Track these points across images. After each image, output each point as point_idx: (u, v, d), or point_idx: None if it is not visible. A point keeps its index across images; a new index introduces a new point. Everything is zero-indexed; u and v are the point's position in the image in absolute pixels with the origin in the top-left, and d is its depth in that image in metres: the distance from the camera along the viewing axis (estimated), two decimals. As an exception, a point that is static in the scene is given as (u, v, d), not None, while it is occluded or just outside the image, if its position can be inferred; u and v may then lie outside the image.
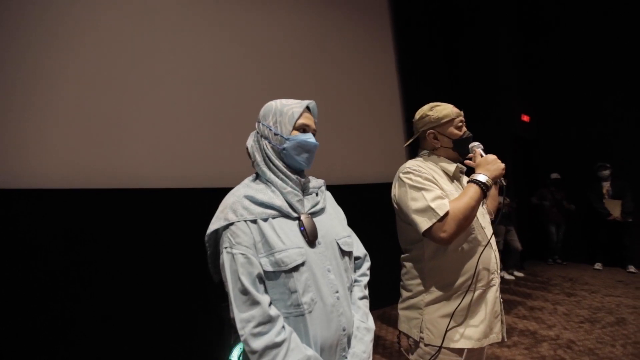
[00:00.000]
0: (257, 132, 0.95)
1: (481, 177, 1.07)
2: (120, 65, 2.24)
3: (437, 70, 4.87)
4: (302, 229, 0.86)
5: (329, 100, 3.42)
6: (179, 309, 2.17)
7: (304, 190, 0.93)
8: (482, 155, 1.16)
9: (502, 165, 1.10)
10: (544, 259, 5.46)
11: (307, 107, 0.95)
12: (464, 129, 1.23)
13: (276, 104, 0.93)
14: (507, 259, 4.63)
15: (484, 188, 1.06)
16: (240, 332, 0.76)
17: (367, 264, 1.03)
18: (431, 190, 1.08)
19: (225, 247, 0.82)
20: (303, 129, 0.92)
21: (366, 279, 1.00)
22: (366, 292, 0.98)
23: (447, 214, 1.02)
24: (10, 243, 1.77)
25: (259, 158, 0.91)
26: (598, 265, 4.90)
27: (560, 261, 5.34)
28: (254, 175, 0.96)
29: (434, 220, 1.03)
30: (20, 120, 1.89)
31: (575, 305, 3.48)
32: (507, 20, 5.45)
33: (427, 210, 1.05)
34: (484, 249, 1.11)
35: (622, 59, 4.96)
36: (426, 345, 1.11)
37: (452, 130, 1.21)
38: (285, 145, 0.89)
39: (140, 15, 2.36)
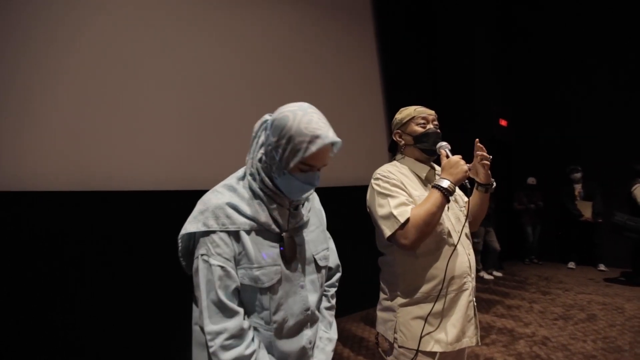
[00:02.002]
0: (263, 134, 0.82)
1: (443, 183, 1.06)
2: (113, 70, 2.25)
3: (418, 75, 4.98)
4: (281, 249, 0.83)
5: (312, 102, 3.41)
6: (162, 309, 2.14)
7: (291, 202, 0.86)
8: (447, 157, 1.14)
9: (465, 168, 1.08)
10: (521, 259, 5.66)
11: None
12: (429, 126, 1.21)
13: (291, 124, 0.74)
14: (487, 259, 4.76)
15: (446, 193, 1.04)
16: (210, 344, 0.73)
17: (338, 274, 1.02)
18: (396, 196, 1.10)
19: (202, 255, 0.77)
20: (309, 168, 0.78)
21: (334, 290, 1.00)
22: (333, 302, 0.98)
23: (407, 220, 1.04)
24: (8, 244, 1.77)
25: (249, 163, 0.83)
26: (571, 264, 5.12)
27: (536, 261, 5.55)
28: (242, 173, 0.86)
29: (396, 227, 1.05)
30: (16, 124, 1.90)
31: (550, 303, 3.62)
32: (485, 25, 5.62)
33: (390, 217, 1.07)
34: (452, 253, 1.12)
35: (596, 65, 5.22)
36: (400, 347, 1.13)
37: (413, 127, 1.22)
38: (278, 177, 0.80)
39: (130, 20, 2.35)
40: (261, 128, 0.83)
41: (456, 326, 1.11)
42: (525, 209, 5.38)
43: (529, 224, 5.41)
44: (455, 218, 1.21)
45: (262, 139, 0.82)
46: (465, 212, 1.23)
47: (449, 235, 1.15)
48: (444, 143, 1.18)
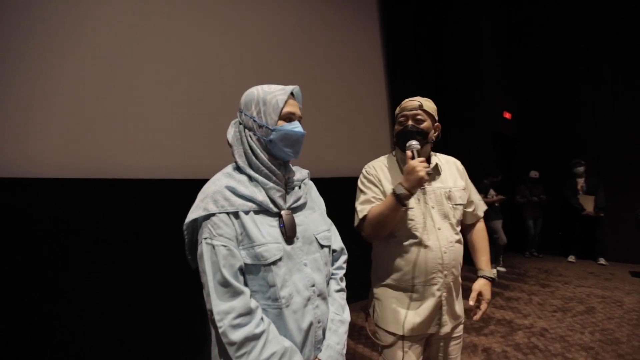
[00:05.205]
0: (240, 123, 0.90)
1: (398, 189, 1.06)
2: (117, 59, 2.22)
3: (422, 66, 4.92)
4: (281, 226, 0.85)
5: (315, 93, 3.41)
6: (161, 300, 2.15)
7: (287, 184, 0.91)
8: (412, 159, 1.10)
9: (420, 175, 1.03)
10: (522, 251, 5.67)
11: (291, 93, 0.90)
12: (408, 122, 1.18)
13: (258, 92, 0.88)
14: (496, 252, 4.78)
15: (397, 199, 1.06)
16: (219, 324, 0.74)
17: (343, 257, 1.03)
18: (366, 193, 1.22)
19: (205, 238, 0.79)
20: (289, 117, 0.87)
21: (342, 272, 1.01)
22: (343, 285, 0.99)
23: (365, 217, 1.17)
24: (7, 231, 1.77)
25: (239, 151, 0.87)
26: (571, 258, 5.13)
27: (536, 254, 5.56)
28: (235, 163, 0.91)
29: (357, 221, 1.22)
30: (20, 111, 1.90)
31: (549, 296, 3.64)
32: (491, 18, 5.53)
33: (356, 210, 1.23)
34: (422, 248, 1.17)
35: (602, 58, 5.14)
36: (374, 323, 1.26)
37: (396, 125, 1.25)
38: (271, 137, 0.85)
39: (134, 12, 2.32)
40: (235, 124, 0.92)
41: (420, 315, 1.18)
42: (527, 202, 5.37)
43: (530, 217, 5.40)
44: (441, 214, 1.20)
45: (240, 126, 0.90)
46: (457, 208, 1.24)
47: (424, 230, 1.17)
48: (413, 142, 1.13)
